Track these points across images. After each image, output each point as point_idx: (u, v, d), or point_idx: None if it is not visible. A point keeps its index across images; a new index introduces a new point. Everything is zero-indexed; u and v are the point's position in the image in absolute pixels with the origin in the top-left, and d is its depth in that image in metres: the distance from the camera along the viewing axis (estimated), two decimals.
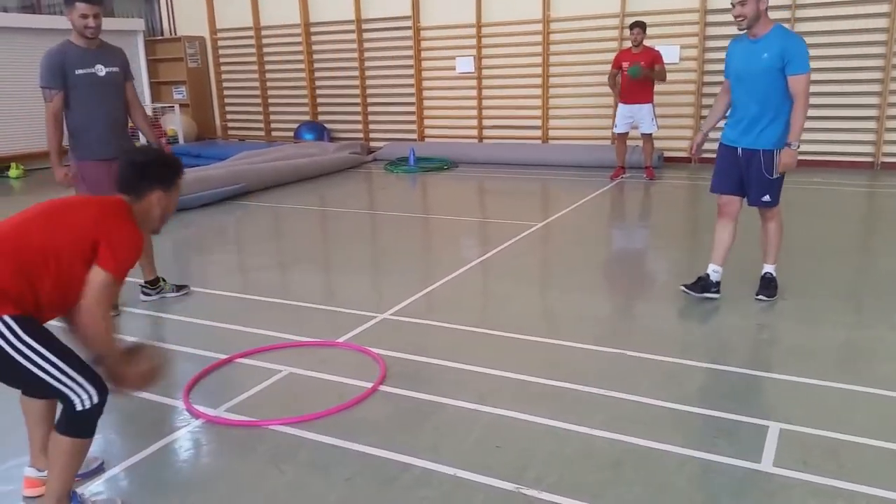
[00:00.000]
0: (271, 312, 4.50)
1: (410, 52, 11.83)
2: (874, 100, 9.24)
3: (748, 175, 4.26)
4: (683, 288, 4.45)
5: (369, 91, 12.42)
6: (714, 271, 4.42)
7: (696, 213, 7.61)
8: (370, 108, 12.53)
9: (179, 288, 4.85)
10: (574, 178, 9.47)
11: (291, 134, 12.57)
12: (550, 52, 10.83)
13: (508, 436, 2.89)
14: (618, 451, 2.76)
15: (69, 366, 2.19)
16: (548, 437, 2.87)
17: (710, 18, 9.72)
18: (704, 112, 9.70)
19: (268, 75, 13.23)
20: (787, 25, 9.22)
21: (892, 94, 9.11)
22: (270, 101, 13.36)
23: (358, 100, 12.49)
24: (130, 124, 4.67)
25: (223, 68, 13.71)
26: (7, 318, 2.11)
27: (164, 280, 4.81)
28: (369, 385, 3.33)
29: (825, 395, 3.20)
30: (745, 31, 4.14)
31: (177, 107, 12.86)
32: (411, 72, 11.91)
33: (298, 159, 10.03)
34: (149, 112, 12.29)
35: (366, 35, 12.17)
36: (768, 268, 4.47)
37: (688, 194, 8.45)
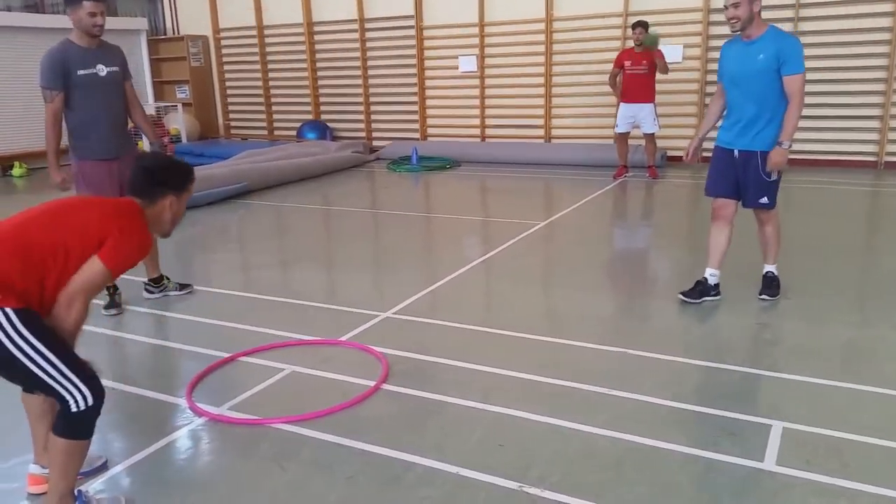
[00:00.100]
0: (274, 311, 4.50)
1: (413, 52, 11.83)
2: (878, 99, 9.22)
3: (745, 177, 4.23)
4: (681, 297, 4.38)
5: (372, 90, 12.42)
6: (711, 275, 4.41)
7: (699, 212, 7.59)
8: (373, 108, 12.53)
9: (183, 287, 4.85)
10: (577, 178, 9.46)
11: (294, 133, 12.57)
12: (553, 51, 10.82)
13: (511, 435, 2.89)
14: (621, 450, 2.76)
15: (66, 365, 2.17)
16: (551, 437, 2.87)
17: (713, 18, 9.71)
18: None
19: (270, 74, 13.24)
20: (790, 25, 9.25)
21: None
22: (273, 100, 13.37)
23: (361, 99, 12.49)
24: (130, 124, 4.67)
25: (226, 67, 13.72)
26: (8, 311, 2.10)
27: (167, 278, 4.81)
28: (372, 384, 3.33)
29: (828, 395, 3.20)
30: (739, 33, 4.12)
31: (180, 106, 12.88)
32: (414, 71, 11.91)
33: (301, 158, 10.03)
34: (152, 111, 12.35)
35: (368, 34, 12.17)
36: (769, 267, 4.45)
37: (691, 194, 8.43)
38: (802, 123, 10.40)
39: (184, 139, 12.55)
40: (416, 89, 11.98)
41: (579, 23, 10.54)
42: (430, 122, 12.15)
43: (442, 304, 4.63)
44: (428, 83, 11.94)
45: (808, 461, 2.63)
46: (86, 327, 4.02)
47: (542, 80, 10.97)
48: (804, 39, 9.25)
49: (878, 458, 2.68)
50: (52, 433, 2.25)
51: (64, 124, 4.33)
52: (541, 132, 11.21)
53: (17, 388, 2.47)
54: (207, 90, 13.80)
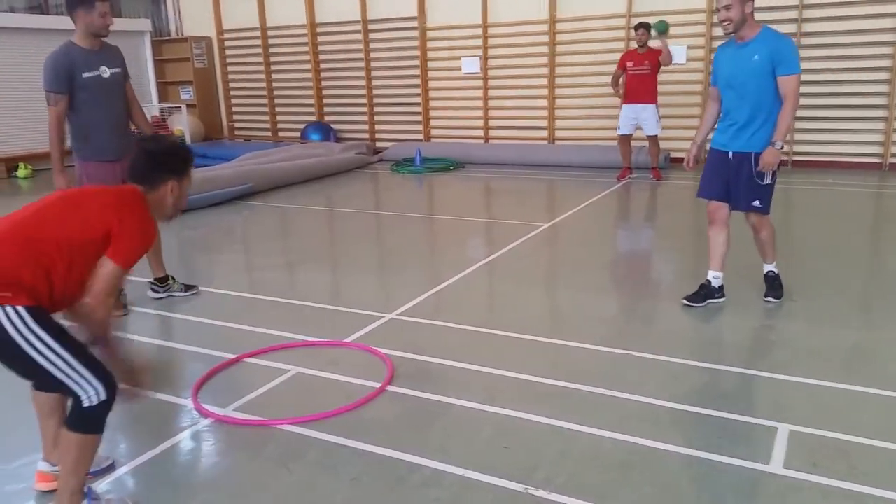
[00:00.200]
0: (279, 312, 4.51)
1: (416, 53, 11.83)
2: (882, 100, 9.20)
3: (737, 179, 4.18)
4: (685, 302, 4.36)
5: (375, 91, 12.43)
6: (715, 277, 4.39)
7: (703, 214, 7.55)
8: (376, 109, 12.54)
9: (188, 288, 4.86)
10: (580, 179, 9.46)
11: (298, 134, 12.59)
12: (557, 52, 10.82)
13: (516, 436, 2.89)
14: (626, 452, 2.76)
15: (78, 361, 2.20)
16: (556, 438, 2.86)
17: (717, 19, 9.69)
18: None
19: (274, 76, 13.26)
20: (793, 26, 9.24)
21: None
22: (277, 101, 13.38)
23: (364, 100, 12.50)
24: (133, 125, 4.68)
25: (230, 69, 13.74)
26: (20, 309, 2.12)
27: (173, 278, 4.82)
28: (377, 385, 3.33)
29: (835, 397, 3.19)
30: (733, 35, 4.11)
31: (183, 107, 12.89)
32: (417, 72, 11.91)
33: (305, 160, 10.04)
34: (156, 112, 12.37)
35: (372, 35, 12.18)
36: (769, 266, 4.43)
37: (694, 195, 8.39)
38: (807, 125, 10.43)
39: (187, 140, 12.56)
40: (419, 90, 11.99)
41: (582, 24, 10.53)
42: (433, 123, 12.15)
43: (446, 306, 4.63)
44: (431, 84, 11.95)
45: (815, 464, 2.63)
46: None
47: (545, 81, 10.97)
48: (808, 41, 9.39)
49: (885, 460, 2.67)
50: (64, 428, 2.27)
51: (67, 126, 4.34)
52: (544, 133, 11.21)
53: (23, 388, 2.49)
54: (211, 91, 13.82)
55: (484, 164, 10.77)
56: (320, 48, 12.69)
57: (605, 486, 2.54)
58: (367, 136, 12.59)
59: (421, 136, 12.13)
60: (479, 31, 11.26)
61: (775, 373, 3.43)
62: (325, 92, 12.88)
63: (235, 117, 13.97)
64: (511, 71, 11.22)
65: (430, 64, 11.86)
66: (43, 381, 2.29)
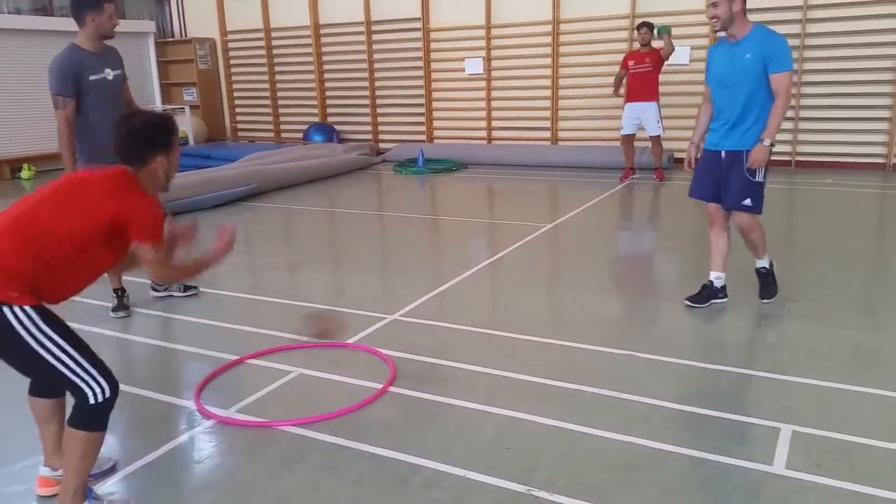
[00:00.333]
0: (281, 313, 4.51)
1: (420, 54, 11.84)
2: (886, 101, 9.18)
3: (728, 177, 4.14)
4: (688, 302, 4.36)
5: (378, 92, 12.44)
6: (717, 278, 4.38)
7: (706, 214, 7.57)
8: (379, 110, 12.54)
9: (187, 288, 4.87)
10: (583, 180, 9.45)
11: (301, 135, 12.60)
12: (560, 53, 10.82)
13: (519, 437, 2.89)
14: (628, 453, 2.75)
15: (85, 359, 2.24)
16: (558, 439, 2.86)
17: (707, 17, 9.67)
18: None
19: (277, 77, 13.28)
20: (798, 26, 9.23)
21: None
22: (280, 102, 13.40)
23: (367, 101, 12.51)
24: None
25: (233, 70, 13.76)
26: (28, 309, 2.16)
27: None
28: (379, 386, 3.33)
29: (838, 398, 3.18)
30: (723, 33, 4.10)
31: (187, 108, 12.93)
32: (420, 73, 11.92)
33: (308, 161, 10.05)
34: None
35: (375, 37, 12.19)
36: (761, 262, 4.38)
37: None
38: (810, 125, 10.41)
39: (191, 142, 12.59)
40: (422, 91, 11.99)
41: (586, 25, 10.53)
42: (436, 124, 12.16)
43: (449, 307, 4.63)
44: (434, 85, 11.96)
45: (818, 465, 2.62)
46: (93, 329, 4.03)
47: (548, 82, 10.96)
48: (812, 41, 9.38)
49: (888, 461, 2.66)
50: (68, 426, 2.29)
51: None
52: (547, 134, 11.20)
53: (23, 389, 2.50)
54: (215, 93, 13.85)
55: (487, 165, 10.77)
56: (323, 49, 12.71)
57: (608, 487, 2.53)
58: (370, 137, 12.60)
59: (424, 137, 12.13)
60: (483, 32, 11.26)
61: (778, 373, 3.42)
62: (328, 93, 12.90)
63: (239, 118, 13.99)
64: (514, 72, 11.22)
65: (434, 65, 11.87)
66: (51, 378, 2.30)
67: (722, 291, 4.39)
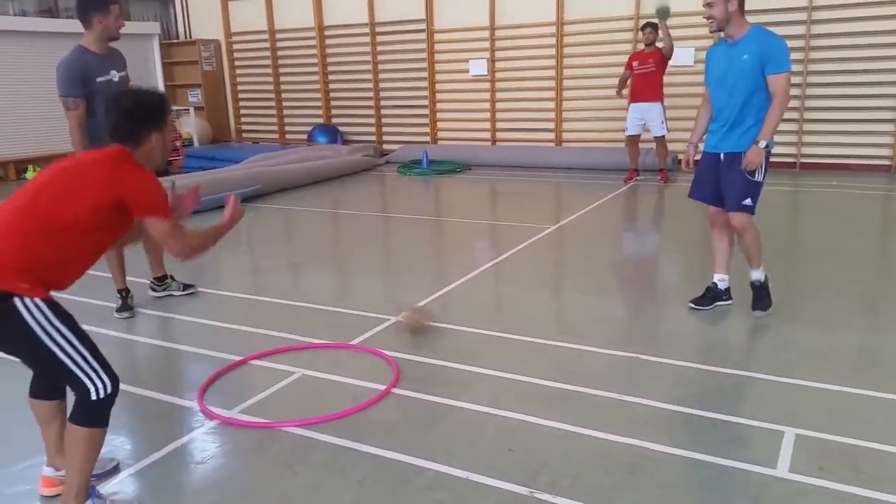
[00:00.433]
0: (284, 314, 4.52)
1: (424, 55, 11.85)
2: (891, 102, 9.16)
3: (727, 178, 4.11)
4: (692, 305, 4.34)
5: (383, 94, 12.45)
6: (721, 280, 4.37)
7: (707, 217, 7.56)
8: (383, 111, 12.56)
9: (186, 287, 4.88)
10: (587, 181, 9.44)
11: (305, 136, 12.62)
12: (564, 54, 10.81)
13: (521, 439, 2.89)
14: (631, 455, 2.75)
15: (91, 354, 2.26)
16: (561, 441, 2.86)
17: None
18: None
19: (282, 78, 13.30)
20: (803, 27, 9.21)
21: None
22: (284, 103, 13.42)
23: (371, 102, 12.52)
24: None
25: (238, 71, 13.79)
26: (38, 301, 2.18)
27: (171, 277, 4.85)
28: (382, 387, 3.33)
29: (841, 400, 3.17)
30: (721, 33, 4.08)
31: (192, 109, 12.96)
32: (425, 74, 11.93)
33: (312, 162, 10.06)
34: None
35: (379, 38, 12.20)
36: (755, 274, 4.25)
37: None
38: (815, 127, 10.38)
39: (195, 143, 12.62)
40: (426, 93, 12.00)
41: (590, 26, 10.52)
42: (440, 125, 12.16)
43: (452, 308, 4.63)
44: (438, 87, 11.96)
45: (822, 468, 2.61)
46: (96, 329, 4.04)
47: (552, 83, 10.96)
48: (817, 42, 9.36)
49: (892, 464, 2.65)
50: (70, 424, 2.30)
51: None
52: (551, 135, 11.20)
53: (25, 389, 2.51)
54: (219, 94, 13.88)
55: (491, 167, 10.77)
56: (328, 51, 12.72)
57: (611, 490, 2.53)
58: (374, 138, 12.61)
59: (428, 139, 12.14)
60: (487, 34, 11.26)
61: (781, 376, 3.41)
62: (332, 94, 12.91)
63: (243, 120, 14.02)
64: (518, 73, 11.21)
65: (438, 66, 11.88)
66: (56, 371, 2.30)
67: (726, 294, 4.38)
